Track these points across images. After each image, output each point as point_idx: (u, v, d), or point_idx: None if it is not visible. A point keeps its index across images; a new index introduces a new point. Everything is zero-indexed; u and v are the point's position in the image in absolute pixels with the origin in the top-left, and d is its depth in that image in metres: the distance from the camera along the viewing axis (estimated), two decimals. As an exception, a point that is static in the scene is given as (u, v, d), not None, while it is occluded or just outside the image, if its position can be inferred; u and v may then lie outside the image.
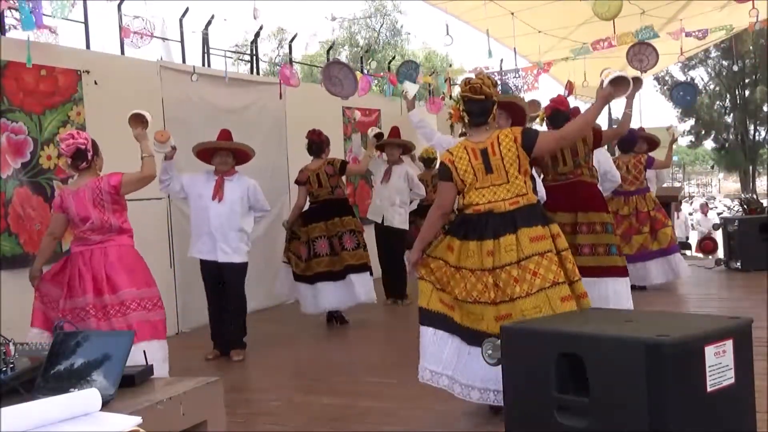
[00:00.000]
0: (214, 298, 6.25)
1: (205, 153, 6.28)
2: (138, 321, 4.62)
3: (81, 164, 4.75)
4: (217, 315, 6.26)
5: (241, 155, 6.30)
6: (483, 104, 4.09)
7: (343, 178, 7.37)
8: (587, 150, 5.77)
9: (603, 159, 6.62)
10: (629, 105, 5.36)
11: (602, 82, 4.23)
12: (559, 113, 5.90)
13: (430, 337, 4.08)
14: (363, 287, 7.09)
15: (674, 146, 9.30)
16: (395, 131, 8.41)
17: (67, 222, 4.89)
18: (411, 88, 6.43)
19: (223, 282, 6.17)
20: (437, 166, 6.28)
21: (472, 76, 4.31)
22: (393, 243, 8.17)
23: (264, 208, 6.37)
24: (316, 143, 7.22)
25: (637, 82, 5.12)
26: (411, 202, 8.52)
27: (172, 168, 5.91)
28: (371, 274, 7.20)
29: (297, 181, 7.28)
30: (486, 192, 4.01)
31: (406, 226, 8.25)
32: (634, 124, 13.14)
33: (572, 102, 10.64)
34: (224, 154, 6.18)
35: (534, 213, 4.00)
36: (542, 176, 5.85)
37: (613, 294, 5.64)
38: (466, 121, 4.14)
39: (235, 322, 6.20)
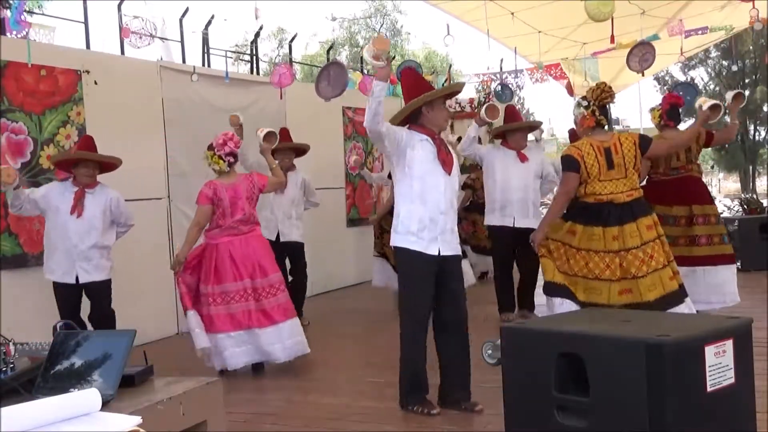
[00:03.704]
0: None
1: (66, 164, 5.70)
2: (285, 301, 5.50)
3: (235, 162, 5.60)
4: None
5: (107, 166, 5.69)
6: (608, 108, 4.95)
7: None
8: (698, 148, 6.22)
9: (546, 160, 7.20)
10: (734, 117, 6.04)
11: (700, 107, 5.43)
12: (677, 107, 6.29)
13: (558, 305, 4.72)
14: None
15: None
16: (285, 133, 7.28)
17: (213, 213, 5.45)
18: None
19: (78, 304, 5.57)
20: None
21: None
22: (293, 258, 7.35)
23: (128, 223, 5.83)
24: None
25: (739, 97, 5.95)
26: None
27: (18, 196, 5.34)
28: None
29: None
30: (607, 184, 4.75)
31: (304, 240, 7.41)
32: (635, 125, 13.16)
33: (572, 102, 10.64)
34: (89, 165, 5.56)
35: (643, 204, 4.79)
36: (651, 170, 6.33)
37: (722, 281, 6.01)
38: (603, 124, 4.90)
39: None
